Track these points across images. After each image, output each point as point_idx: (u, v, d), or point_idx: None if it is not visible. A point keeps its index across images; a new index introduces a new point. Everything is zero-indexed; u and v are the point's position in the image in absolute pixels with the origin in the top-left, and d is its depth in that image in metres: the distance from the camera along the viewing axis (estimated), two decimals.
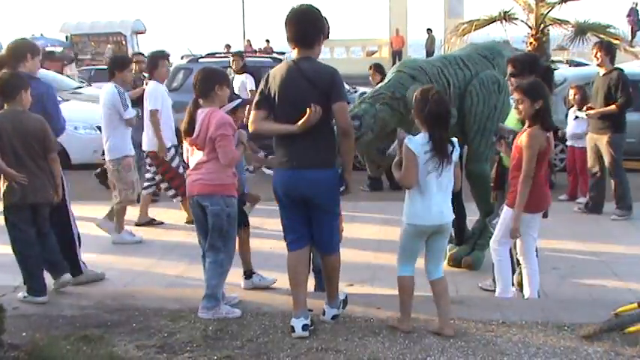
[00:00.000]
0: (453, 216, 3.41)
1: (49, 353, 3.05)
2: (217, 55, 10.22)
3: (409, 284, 3.42)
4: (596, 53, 6.01)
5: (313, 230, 3.36)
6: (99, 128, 9.08)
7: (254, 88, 7.41)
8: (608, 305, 3.64)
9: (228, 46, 17.13)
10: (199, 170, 3.58)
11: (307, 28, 3.25)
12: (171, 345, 3.30)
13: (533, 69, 4.03)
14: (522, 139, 3.73)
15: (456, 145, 3.33)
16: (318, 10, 3.30)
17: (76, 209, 6.57)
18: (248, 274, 4.27)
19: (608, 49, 6.00)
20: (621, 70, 6.08)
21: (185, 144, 3.82)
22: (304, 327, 3.31)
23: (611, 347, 3.20)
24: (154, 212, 6.38)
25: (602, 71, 6.01)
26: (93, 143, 9.00)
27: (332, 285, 3.48)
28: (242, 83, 8.25)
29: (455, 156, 3.31)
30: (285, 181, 3.31)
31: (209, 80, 3.57)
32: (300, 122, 3.16)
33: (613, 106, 5.86)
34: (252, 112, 3.33)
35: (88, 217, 6.44)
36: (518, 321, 3.53)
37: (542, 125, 3.70)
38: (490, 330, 3.42)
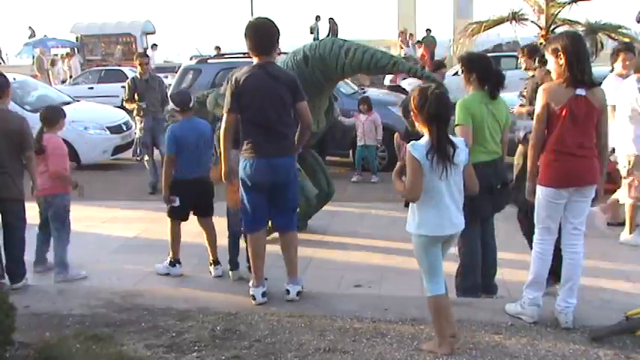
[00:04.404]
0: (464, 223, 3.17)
1: (59, 352, 3.08)
2: (226, 56, 10.24)
3: (444, 304, 3.14)
4: (520, 58, 6.01)
5: (276, 211, 3.86)
6: (109, 129, 9.23)
7: None
8: (618, 308, 3.62)
9: (218, 48, 16.96)
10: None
11: (267, 38, 3.74)
12: (180, 344, 3.31)
13: (474, 67, 3.92)
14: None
15: (460, 145, 3.07)
16: (272, 21, 3.82)
17: (83, 209, 6.64)
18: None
19: (530, 53, 5.93)
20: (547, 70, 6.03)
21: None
22: (263, 294, 3.89)
23: (622, 350, 3.18)
24: None
25: (531, 73, 5.97)
26: (103, 143, 9.08)
27: (294, 263, 3.94)
28: None
29: (460, 158, 3.04)
30: (260, 168, 3.71)
31: (58, 112, 4.81)
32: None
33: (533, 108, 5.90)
34: (228, 115, 3.72)
35: (93, 217, 6.49)
36: (527, 323, 3.51)
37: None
38: (499, 332, 3.41)
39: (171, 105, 4.92)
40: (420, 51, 18.77)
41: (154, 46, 21.24)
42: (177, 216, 4.73)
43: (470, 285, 3.96)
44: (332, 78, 5.36)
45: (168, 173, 4.62)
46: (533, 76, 5.85)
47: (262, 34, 3.73)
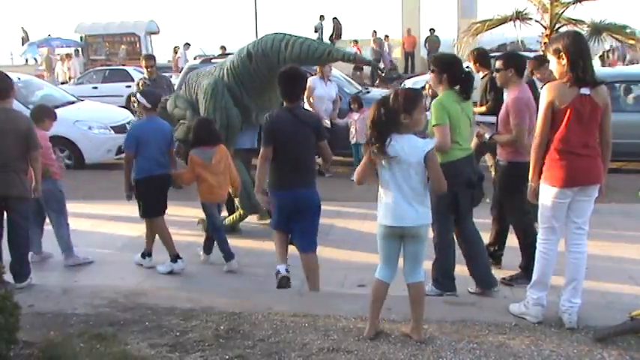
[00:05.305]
0: (426, 221, 3.25)
1: (63, 351, 3.08)
2: (230, 56, 10.24)
3: (381, 291, 3.35)
4: (469, 62, 5.98)
5: (298, 234, 4.22)
6: (113, 128, 9.24)
7: None
8: (622, 308, 3.61)
9: (223, 48, 16.91)
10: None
11: (296, 87, 4.22)
12: (184, 344, 3.32)
13: (445, 68, 4.05)
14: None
15: (416, 144, 3.15)
16: (300, 70, 4.36)
17: (88, 208, 6.67)
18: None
19: (477, 58, 5.92)
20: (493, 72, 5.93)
21: None
22: (287, 270, 4.20)
23: (626, 351, 3.17)
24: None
25: (481, 74, 6.03)
26: (107, 143, 9.08)
27: (313, 281, 4.21)
28: None
29: (410, 159, 3.13)
30: (289, 198, 4.16)
31: (45, 111, 5.17)
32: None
33: (483, 108, 5.93)
34: (266, 148, 4.16)
35: (98, 216, 6.51)
36: (531, 324, 3.50)
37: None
38: (503, 332, 3.40)
39: (141, 99, 5.02)
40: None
41: (187, 45, 20.49)
42: (153, 213, 4.90)
43: (444, 277, 4.12)
44: (276, 71, 5.40)
45: (127, 172, 4.89)
46: (484, 76, 6.04)
47: (292, 84, 4.21)
